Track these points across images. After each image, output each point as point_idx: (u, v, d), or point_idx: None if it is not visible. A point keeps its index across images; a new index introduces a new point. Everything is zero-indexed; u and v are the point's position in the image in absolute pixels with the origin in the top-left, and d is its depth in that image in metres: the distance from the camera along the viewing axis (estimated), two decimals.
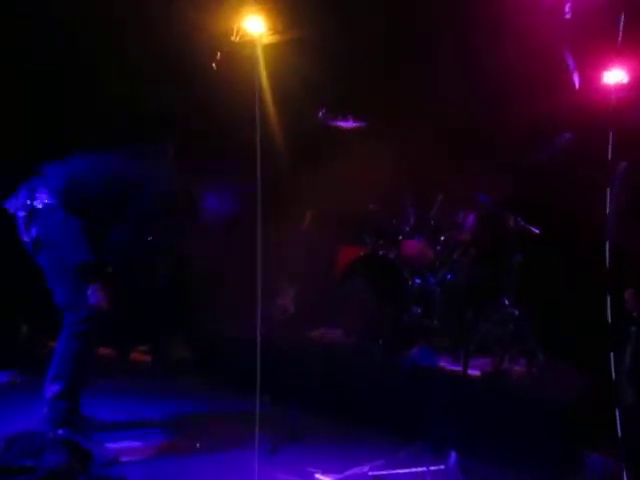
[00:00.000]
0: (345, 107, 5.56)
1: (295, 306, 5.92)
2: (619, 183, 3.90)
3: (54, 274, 3.78)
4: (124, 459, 3.58)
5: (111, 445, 3.69)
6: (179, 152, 4.19)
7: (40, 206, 3.71)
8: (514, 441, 3.97)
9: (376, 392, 4.54)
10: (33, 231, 3.73)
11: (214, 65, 5.10)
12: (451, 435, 3.91)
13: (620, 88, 4.30)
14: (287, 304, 5.92)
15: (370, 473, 3.65)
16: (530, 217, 4.94)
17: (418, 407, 4.26)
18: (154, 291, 5.62)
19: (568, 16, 4.49)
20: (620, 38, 3.45)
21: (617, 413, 3.30)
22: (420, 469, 3.64)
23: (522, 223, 4.91)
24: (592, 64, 4.51)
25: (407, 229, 5.39)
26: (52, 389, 3.71)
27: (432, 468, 3.63)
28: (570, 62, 4.75)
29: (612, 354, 3.29)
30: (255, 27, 4.70)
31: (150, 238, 4.26)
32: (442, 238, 5.31)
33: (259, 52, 4.42)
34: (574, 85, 4.78)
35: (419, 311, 5.17)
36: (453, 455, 3.67)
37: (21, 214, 3.74)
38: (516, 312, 4.80)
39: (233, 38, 4.98)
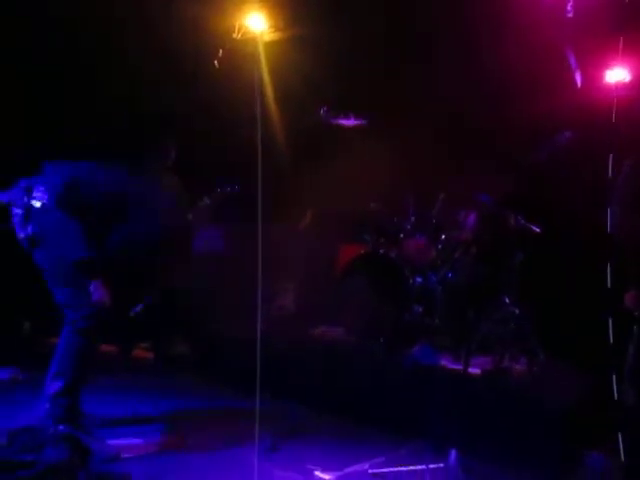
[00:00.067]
0: (346, 106, 5.56)
1: (295, 305, 5.92)
2: (622, 181, 3.89)
3: (53, 273, 3.79)
4: (125, 455, 3.60)
5: (112, 441, 3.71)
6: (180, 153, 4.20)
7: (37, 205, 3.71)
8: (514, 440, 3.97)
9: (377, 390, 4.55)
10: (29, 228, 3.72)
11: (216, 63, 5.10)
12: (452, 433, 3.91)
13: (622, 87, 4.29)
14: (287, 303, 5.92)
15: (370, 471, 3.66)
16: (531, 216, 4.93)
17: (419, 405, 4.26)
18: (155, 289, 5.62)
19: (570, 15, 4.49)
20: (622, 37, 3.45)
21: (618, 413, 3.31)
22: (420, 467, 3.64)
23: (523, 222, 4.91)
24: (594, 63, 4.50)
25: (408, 228, 5.38)
26: (53, 386, 3.71)
27: (432, 466, 3.63)
28: (572, 61, 4.74)
29: (613, 354, 3.29)
30: (257, 24, 4.70)
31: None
32: (443, 237, 5.31)
33: (260, 49, 4.42)
34: (576, 84, 4.78)
35: (420, 310, 5.17)
36: (453, 453, 3.67)
37: (18, 211, 3.74)
38: (517, 311, 4.80)
39: (235, 35, 4.98)
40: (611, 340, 3.72)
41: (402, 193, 5.49)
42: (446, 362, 4.77)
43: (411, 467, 3.68)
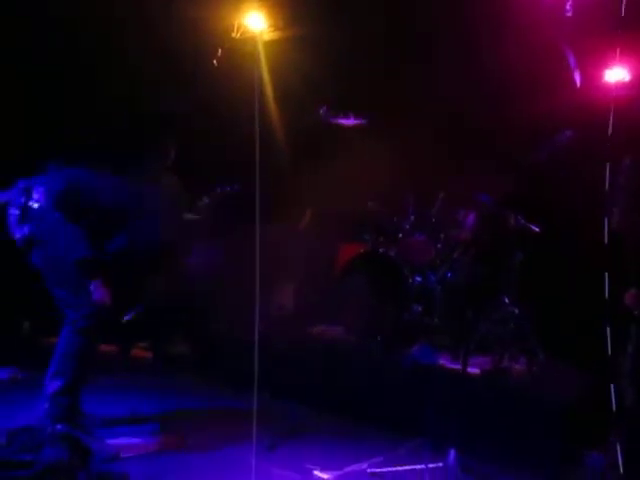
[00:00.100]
0: (346, 105, 5.56)
1: (295, 304, 5.92)
2: (622, 179, 3.89)
3: (51, 273, 3.78)
4: (124, 455, 3.60)
5: (111, 441, 3.71)
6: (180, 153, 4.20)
7: (35, 206, 3.70)
8: (513, 439, 3.98)
9: (376, 389, 4.55)
10: (25, 229, 3.72)
11: (215, 62, 5.10)
12: (451, 433, 3.90)
13: (621, 86, 4.29)
14: (287, 303, 5.92)
15: (369, 470, 3.66)
16: (530, 215, 4.93)
17: (418, 405, 4.26)
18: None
19: (569, 14, 4.48)
20: (621, 36, 3.45)
21: (616, 413, 3.31)
22: (419, 467, 3.64)
23: (522, 222, 4.91)
24: (593, 62, 4.50)
25: (407, 227, 5.38)
26: (53, 385, 3.71)
27: (431, 466, 3.63)
28: (571, 60, 4.74)
29: (611, 354, 3.29)
30: (256, 24, 4.70)
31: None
32: (442, 236, 5.31)
33: (260, 49, 4.42)
34: (575, 83, 4.77)
35: (419, 309, 5.16)
36: (452, 453, 3.67)
37: (14, 212, 3.74)
38: (516, 311, 4.80)
39: (234, 35, 4.98)
40: (609, 340, 3.72)
41: (402, 193, 5.49)
42: (445, 362, 4.77)
43: (410, 466, 3.69)
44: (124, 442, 3.76)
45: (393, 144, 5.25)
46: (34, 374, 4.15)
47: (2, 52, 5.16)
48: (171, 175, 4.12)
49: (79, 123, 5.23)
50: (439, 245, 5.31)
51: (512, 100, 5.11)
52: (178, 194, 4.12)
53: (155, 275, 5.06)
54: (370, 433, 4.24)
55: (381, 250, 5.36)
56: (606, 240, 3.69)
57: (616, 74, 4.33)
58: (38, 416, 3.67)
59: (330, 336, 5.32)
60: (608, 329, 3.73)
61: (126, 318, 5.32)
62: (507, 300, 4.86)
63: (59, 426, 3.48)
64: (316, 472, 3.58)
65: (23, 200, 3.71)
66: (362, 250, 5.46)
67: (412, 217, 5.39)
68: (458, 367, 4.61)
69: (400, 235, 5.40)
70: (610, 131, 3.62)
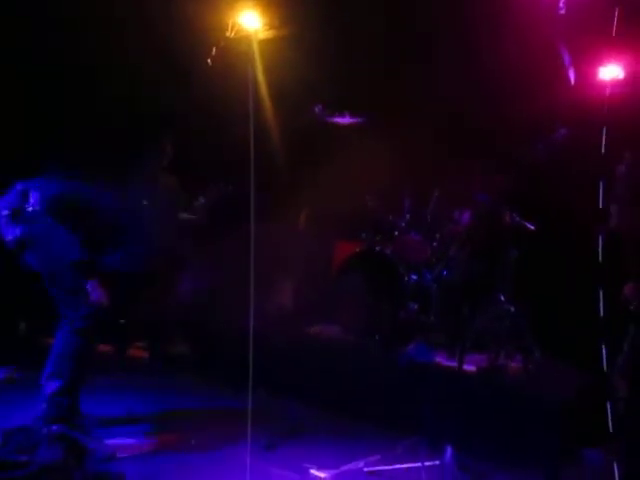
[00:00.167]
0: (345, 105, 5.56)
1: (293, 303, 5.92)
2: (621, 177, 3.90)
3: (47, 274, 3.78)
4: (121, 455, 3.60)
5: (108, 441, 3.71)
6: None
7: (29, 209, 3.69)
8: (510, 437, 3.98)
9: (373, 388, 4.55)
10: (17, 231, 3.71)
11: (209, 61, 5.09)
12: (447, 431, 3.91)
13: (616, 84, 4.30)
14: (285, 302, 5.92)
15: (365, 469, 3.66)
16: (525, 213, 4.94)
17: (414, 403, 4.27)
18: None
19: (563, 12, 4.49)
20: (615, 34, 3.45)
21: (609, 407, 3.32)
22: (416, 465, 3.65)
23: (517, 219, 4.92)
24: (588, 60, 4.50)
25: (403, 225, 5.38)
26: (51, 386, 3.71)
27: (427, 464, 3.64)
28: (565, 58, 4.74)
29: (605, 349, 3.30)
30: (250, 22, 4.68)
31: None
32: (438, 235, 5.31)
33: (254, 48, 4.42)
34: (570, 81, 4.77)
35: (415, 307, 5.17)
36: (449, 451, 3.68)
37: (4, 212, 3.72)
38: (512, 308, 4.80)
39: (228, 33, 4.96)
40: (605, 337, 3.73)
41: (398, 191, 5.49)
42: (441, 359, 4.78)
43: (407, 465, 3.69)
44: (121, 442, 3.75)
45: (391, 143, 5.25)
46: (30, 374, 4.14)
47: (2, 52, 5.15)
48: (168, 175, 4.12)
49: (79, 123, 5.22)
50: (435, 243, 5.32)
51: (508, 98, 5.11)
52: (176, 193, 4.11)
53: (151, 286, 5.09)
54: (367, 431, 4.25)
55: (377, 248, 5.36)
56: (605, 240, 3.70)
57: (611, 72, 4.33)
58: (35, 416, 3.66)
59: (327, 335, 5.33)
60: (603, 326, 3.75)
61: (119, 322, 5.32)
62: (503, 297, 4.87)
63: (55, 426, 3.48)
64: (313, 471, 3.58)
65: (18, 202, 3.70)
66: (358, 249, 5.47)
67: (408, 216, 5.39)
68: (454, 365, 4.62)
69: (396, 233, 5.40)
70: (604, 129, 3.62)
